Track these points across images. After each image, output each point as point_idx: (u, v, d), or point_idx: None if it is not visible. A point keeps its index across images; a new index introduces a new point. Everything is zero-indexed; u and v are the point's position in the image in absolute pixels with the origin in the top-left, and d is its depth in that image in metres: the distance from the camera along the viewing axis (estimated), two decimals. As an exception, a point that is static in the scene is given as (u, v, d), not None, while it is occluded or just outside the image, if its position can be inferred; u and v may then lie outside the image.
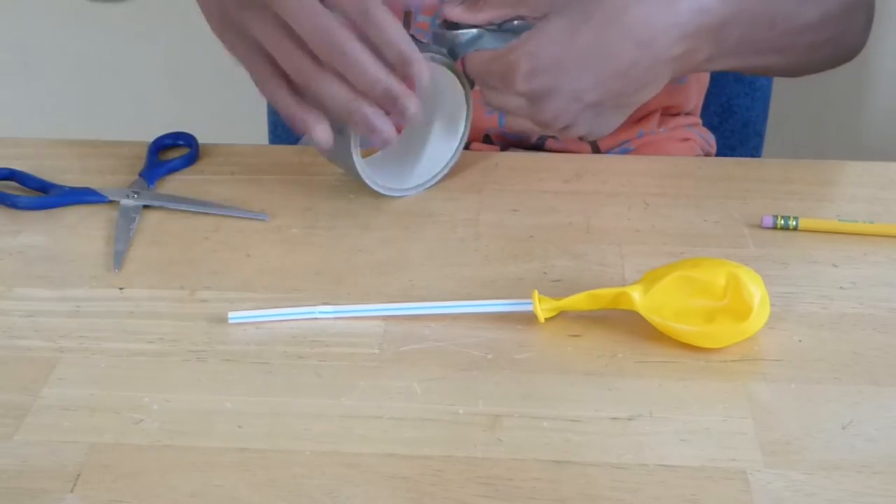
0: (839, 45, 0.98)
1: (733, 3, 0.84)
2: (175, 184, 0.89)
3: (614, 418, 0.66)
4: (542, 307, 0.73)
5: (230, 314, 0.74)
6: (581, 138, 0.86)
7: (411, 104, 0.76)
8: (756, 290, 0.71)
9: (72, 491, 0.61)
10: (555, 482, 0.62)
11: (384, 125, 0.77)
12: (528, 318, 0.73)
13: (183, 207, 0.86)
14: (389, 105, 0.76)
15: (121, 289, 0.77)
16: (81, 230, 0.84)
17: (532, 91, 0.81)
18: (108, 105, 1.89)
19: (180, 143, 0.94)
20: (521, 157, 0.94)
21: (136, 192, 0.87)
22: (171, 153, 0.93)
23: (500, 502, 0.61)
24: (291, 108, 0.78)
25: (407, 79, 0.76)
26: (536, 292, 0.73)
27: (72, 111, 1.96)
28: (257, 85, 0.80)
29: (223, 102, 1.69)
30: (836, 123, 1.90)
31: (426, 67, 0.76)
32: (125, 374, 0.70)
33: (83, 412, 0.67)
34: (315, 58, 0.75)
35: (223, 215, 0.85)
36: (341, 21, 0.74)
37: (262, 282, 0.78)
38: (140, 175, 0.89)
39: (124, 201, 0.86)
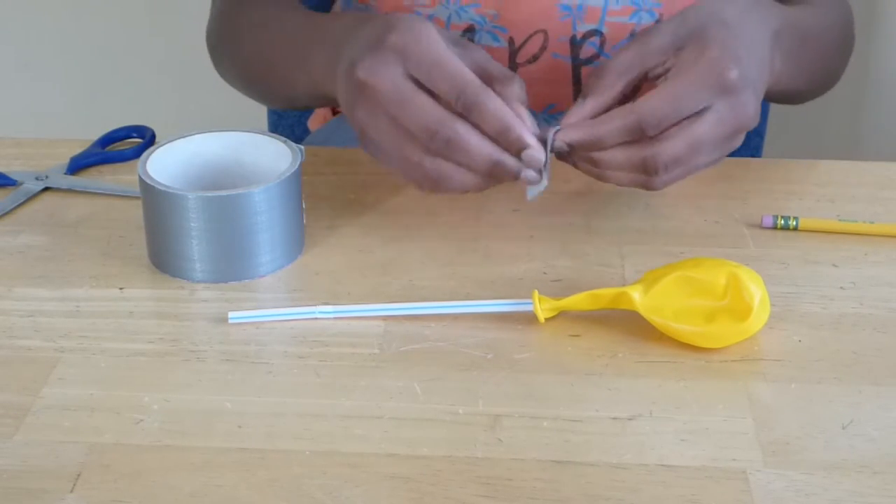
0: (833, 70, 1.00)
1: (782, 11, 0.84)
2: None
3: (614, 418, 0.66)
4: (542, 307, 0.73)
5: (230, 314, 0.74)
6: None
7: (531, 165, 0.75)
8: (756, 290, 0.71)
9: (72, 491, 0.61)
10: (555, 482, 0.62)
11: (528, 169, 0.75)
12: (528, 318, 0.73)
13: (91, 191, 0.88)
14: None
15: (121, 289, 0.77)
16: (81, 230, 0.84)
17: (738, 83, 0.74)
18: (109, 105, 1.89)
19: (133, 135, 0.96)
20: (521, 157, 0.94)
21: (45, 176, 0.89)
22: (124, 145, 0.95)
23: (500, 502, 0.61)
24: (432, 163, 0.75)
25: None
26: (536, 292, 0.73)
27: (72, 111, 1.96)
28: (390, 161, 0.76)
29: (224, 102, 1.69)
30: (836, 123, 1.90)
31: (539, 151, 0.74)
32: (125, 374, 0.70)
33: (83, 412, 0.67)
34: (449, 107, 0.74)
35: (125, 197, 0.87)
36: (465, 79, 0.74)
37: (262, 282, 0.78)
38: (70, 160, 0.91)
39: (28, 183, 0.88)
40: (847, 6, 1.01)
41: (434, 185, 0.75)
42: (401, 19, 0.75)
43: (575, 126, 0.77)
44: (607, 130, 0.75)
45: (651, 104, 0.74)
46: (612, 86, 0.78)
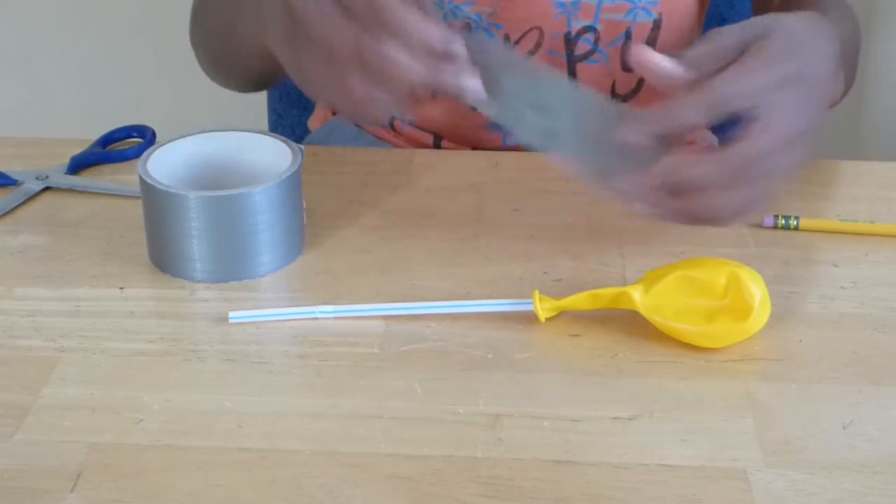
0: (851, 79, 0.99)
1: (836, 31, 0.80)
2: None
3: (614, 418, 0.66)
4: (542, 307, 0.73)
5: (230, 314, 0.74)
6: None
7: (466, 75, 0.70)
8: (757, 290, 0.71)
9: (72, 491, 0.61)
10: (555, 482, 0.62)
11: (469, 81, 0.70)
12: (529, 318, 0.73)
13: (91, 190, 0.88)
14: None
15: (121, 289, 0.77)
16: (81, 230, 0.84)
17: (784, 76, 0.71)
18: (109, 105, 1.89)
19: (133, 135, 0.95)
20: (522, 157, 0.94)
21: (45, 176, 0.89)
22: (124, 145, 0.95)
23: (501, 502, 0.61)
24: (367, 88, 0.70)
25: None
26: (537, 292, 0.73)
27: (72, 111, 1.96)
28: (324, 90, 0.73)
29: (224, 102, 1.69)
30: (836, 123, 1.90)
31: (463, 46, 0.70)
32: (125, 374, 0.70)
33: (83, 412, 0.67)
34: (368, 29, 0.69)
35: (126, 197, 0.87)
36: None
37: (262, 282, 0.78)
38: (70, 160, 0.91)
39: (28, 183, 0.88)
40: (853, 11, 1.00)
41: (364, 111, 0.71)
42: None
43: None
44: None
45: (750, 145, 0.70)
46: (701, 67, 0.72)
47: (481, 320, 0.74)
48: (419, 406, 0.67)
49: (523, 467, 0.63)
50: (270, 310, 0.74)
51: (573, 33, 0.96)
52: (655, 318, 0.71)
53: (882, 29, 1.83)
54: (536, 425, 0.66)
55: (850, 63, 0.91)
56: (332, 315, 0.74)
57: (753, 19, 0.76)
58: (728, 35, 0.74)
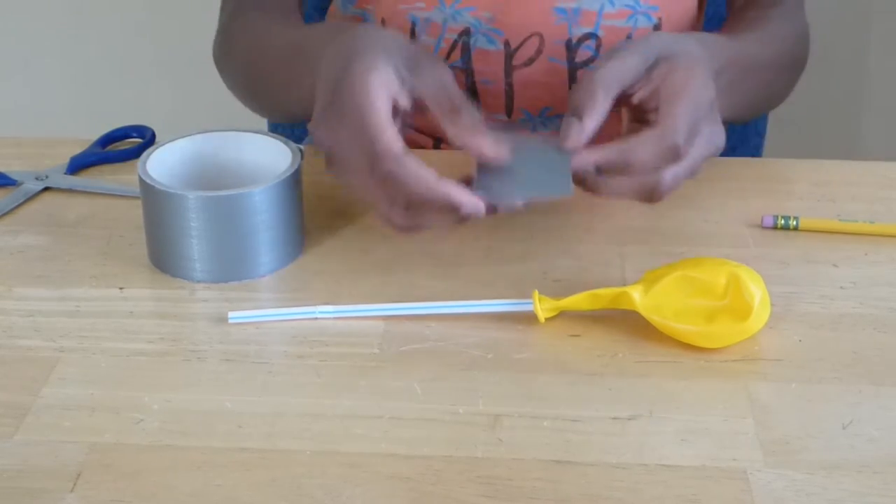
0: (777, 92, 1.00)
1: (724, 51, 0.83)
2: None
3: (614, 418, 0.66)
4: (542, 307, 0.73)
5: (230, 314, 0.74)
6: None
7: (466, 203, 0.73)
8: (756, 290, 0.71)
9: (72, 491, 0.61)
10: (555, 482, 0.62)
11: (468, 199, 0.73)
12: (529, 318, 0.73)
13: (91, 191, 0.88)
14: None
15: (121, 289, 0.77)
16: (81, 230, 0.84)
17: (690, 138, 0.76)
18: (109, 105, 1.89)
19: (133, 135, 0.96)
20: (522, 157, 0.94)
21: (45, 176, 0.89)
22: (124, 145, 0.95)
23: (500, 502, 0.61)
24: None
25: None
26: (537, 292, 0.73)
27: (72, 111, 1.96)
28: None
29: (224, 102, 1.69)
30: (836, 123, 1.90)
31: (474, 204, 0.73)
32: (125, 374, 0.70)
33: (83, 412, 0.67)
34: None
35: (124, 197, 0.87)
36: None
37: (262, 282, 0.78)
38: (70, 160, 0.91)
39: (28, 183, 0.88)
40: (802, 21, 1.00)
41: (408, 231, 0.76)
42: (355, 61, 0.73)
43: (596, 150, 0.75)
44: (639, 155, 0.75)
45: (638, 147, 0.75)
46: (604, 102, 0.75)
47: (481, 320, 0.74)
48: (419, 406, 0.67)
49: (523, 467, 0.63)
50: (270, 310, 0.74)
51: (574, 40, 0.96)
52: (655, 318, 0.71)
53: (882, 29, 1.83)
54: (536, 425, 0.66)
55: (756, 81, 0.92)
56: (331, 315, 0.74)
57: (649, 37, 0.80)
58: (633, 53, 0.77)
